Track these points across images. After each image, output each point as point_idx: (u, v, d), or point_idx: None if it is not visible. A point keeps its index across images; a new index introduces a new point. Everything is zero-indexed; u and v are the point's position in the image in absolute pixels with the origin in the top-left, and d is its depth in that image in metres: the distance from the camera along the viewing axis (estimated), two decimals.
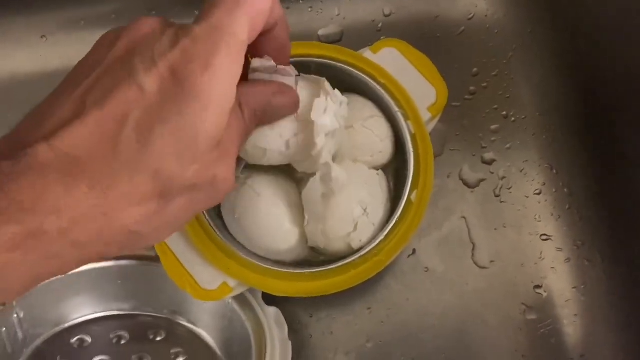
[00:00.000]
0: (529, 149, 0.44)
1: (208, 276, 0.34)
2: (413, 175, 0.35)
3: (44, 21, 0.46)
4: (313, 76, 0.32)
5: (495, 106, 0.45)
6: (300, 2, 0.46)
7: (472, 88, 0.45)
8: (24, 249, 0.20)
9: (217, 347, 0.37)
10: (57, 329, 0.37)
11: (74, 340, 0.37)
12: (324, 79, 0.32)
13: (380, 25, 0.46)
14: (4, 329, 0.35)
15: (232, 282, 0.34)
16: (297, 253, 0.36)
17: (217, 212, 0.36)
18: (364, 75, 0.37)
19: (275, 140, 0.30)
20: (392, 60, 0.38)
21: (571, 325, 0.41)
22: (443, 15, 0.47)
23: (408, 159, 0.35)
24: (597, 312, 0.41)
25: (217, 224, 0.35)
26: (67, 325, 0.37)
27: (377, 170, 0.37)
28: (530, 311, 0.41)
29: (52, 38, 0.46)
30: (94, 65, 0.23)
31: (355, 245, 0.34)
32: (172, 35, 0.23)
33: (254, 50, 0.29)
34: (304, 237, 0.35)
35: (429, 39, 0.46)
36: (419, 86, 0.37)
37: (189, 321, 0.38)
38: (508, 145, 0.44)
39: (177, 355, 0.37)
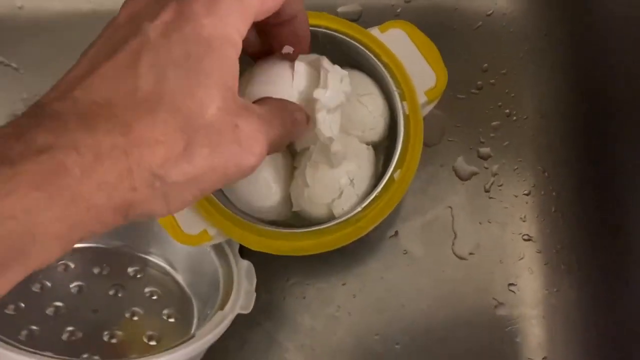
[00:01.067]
0: (525, 149, 0.44)
1: (190, 221, 0.35)
2: (399, 155, 0.36)
3: None
4: (312, 55, 0.33)
5: (500, 103, 0.45)
6: None
7: (479, 83, 0.45)
8: (47, 188, 0.19)
9: (188, 290, 0.39)
10: None
11: (59, 264, 0.39)
12: (324, 56, 0.33)
13: (399, 10, 0.47)
14: None
15: (212, 231, 0.36)
16: (278, 213, 0.37)
17: None
18: (367, 52, 0.37)
19: None
20: (398, 42, 0.38)
21: (538, 326, 0.41)
22: (462, 8, 0.47)
23: (397, 138, 0.36)
24: (565, 317, 0.41)
25: None
26: None
27: (368, 145, 0.38)
28: (501, 307, 0.41)
29: None
30: (98, 38, 0.24)
31: (337, 212, 0.35)
32: None
33: (273, 40, 0.31)
34: (287, 200, 0.36)
35: (445, 29, 0.47)
36: (421, 70, 0.38)
37: (168, 263, 0.40)
38: (506, 143, 0.44)
39: (151, 294, 0.39)
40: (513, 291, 0.42)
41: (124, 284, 0.39)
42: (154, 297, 0.39)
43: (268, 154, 0.26)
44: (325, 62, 0.32)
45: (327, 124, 0.32)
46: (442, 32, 0.47)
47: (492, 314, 0.41)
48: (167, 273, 0.40)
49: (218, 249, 0.39)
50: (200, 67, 0.22)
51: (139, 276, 0.40)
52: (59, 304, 0.36)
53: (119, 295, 0.38)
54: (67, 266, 0.39)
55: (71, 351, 0.33)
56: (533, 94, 0.45)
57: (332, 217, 0.36)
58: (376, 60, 0.37)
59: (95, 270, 0.39)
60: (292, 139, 0.31)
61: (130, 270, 0.40)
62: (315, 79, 0.32)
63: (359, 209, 0.35)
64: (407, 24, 0.39)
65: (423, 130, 0.37)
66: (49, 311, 0.36)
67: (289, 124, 0.28)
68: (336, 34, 0.38)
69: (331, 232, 0.35)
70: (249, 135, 0.24)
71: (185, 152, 0.22)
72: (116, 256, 0.40)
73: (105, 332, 0.35)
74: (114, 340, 0.35)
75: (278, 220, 0.37)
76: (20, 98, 0.46)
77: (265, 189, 0.36)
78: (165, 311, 0.38)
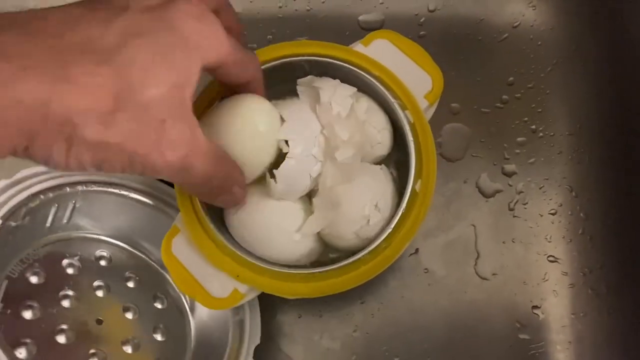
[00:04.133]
0: (552, 167, 0.42)
1: (218, 284, 0.33)
2: (415, 165, 0.34)
3: None
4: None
5: (525, 119, 0.44)
6: None
7: (504, 97, 0.44)
8: None
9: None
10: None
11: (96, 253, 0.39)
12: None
13: (422, 20, 0.46)
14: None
15: (243, 288, 0.33)
16: (307, 257, 0.35)
17: (219, 217, 0.35)
18: (356, 69, 0.36)
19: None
20: (384, 52, 0.37)
21: (563, 351, 0.40)
22: (488, 19, 0.46)
23: (409, 149, 0.34)
24: (592, 343, 0.39)
25: (220, 229, 0.34)
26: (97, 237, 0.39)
27: (379, 163, 0.36)
28: (524, 330, 0.40)
29: None
30: None
31: (368, 235, 0.34)
32: None
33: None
34: (316, 239, 0.35)
35: (470, 41, 0.45)
36: (414, 75, 0.36)
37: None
38: (531, 160, 0.43)
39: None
40: (537, 314, 0.40)
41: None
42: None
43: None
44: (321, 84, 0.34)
45: (337, 133, 0.32)
46: (467, 43, 0.45)
47: (514, 337, 0.40)
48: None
49: None
50: (166, 54, 0.23)
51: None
52: None
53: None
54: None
55: None
56: (561, 110, 0.44)
57: (364, 242, 0.34)
58: (367, 76, 0.36)
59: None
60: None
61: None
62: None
63: (390, 229, 0.33)
64: (388, 32, 0.37)
65: (432, 135, 0.35)
66: None
67: (220, 186, 0.29)
68: (320, 58, 0.36)
69: (366, 261, 0.33)
70: (174, 139, 0.23)
71: (108, 116, 0.21)
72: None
73: None
74: None
75: (309, 262, 0.36)
76: None
77: (289, 242, 0.34)
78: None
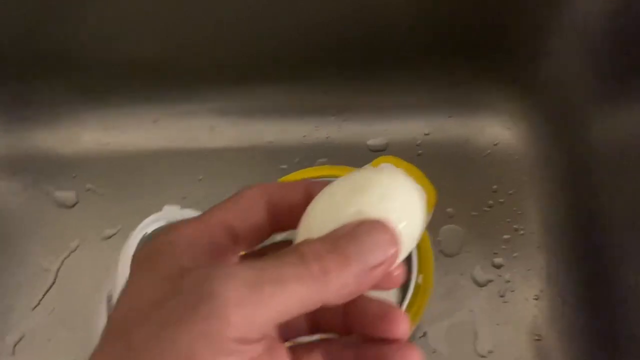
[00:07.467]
0: (532, 259, 0.51)
1: None
2: (418, 263, 0.44)
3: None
4: None
5: (508, 219, 0.53)
6: (355, 116, 0.57)
7: (490, 202, 0.54)
8: None
9: None
10: None
11: None
12: None
13: (419, 142, 0.56)
14: None
15: None
16: None
17: None
18: None
19: None
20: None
21: None
22: (473, 139, 0.56)
23: (412, 251, 0.44)
24: None
25: None
26: None
27: None
28: None
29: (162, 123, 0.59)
30: None
31: None
32: None
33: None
34: None
35: (459, 156, 0.56)
36: None
37: None
38: (515, 254, 0.52)
39: None
40: None
41: None
42: None
43: None
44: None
45: None
46: (457, 159, 0.56)
47: None
48: None
49: None
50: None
51: None
52: None
53: None
54: None
55: None
56: (537, 212, 0.53)
57: None
58: None
59: None
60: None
61: None
62: None
63: None
64: (391, 157, 0.48)
65: (429, 238, 0.44)
66: None
67: None
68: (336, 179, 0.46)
69: None
70: None
71: None
72: None
73: None
74: None
75: None
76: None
77: None
78: None
